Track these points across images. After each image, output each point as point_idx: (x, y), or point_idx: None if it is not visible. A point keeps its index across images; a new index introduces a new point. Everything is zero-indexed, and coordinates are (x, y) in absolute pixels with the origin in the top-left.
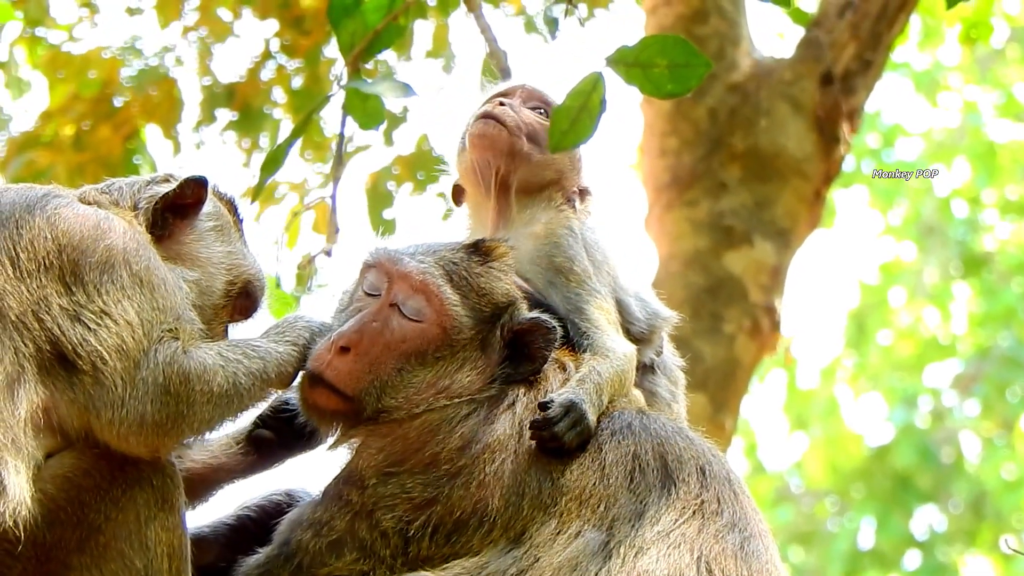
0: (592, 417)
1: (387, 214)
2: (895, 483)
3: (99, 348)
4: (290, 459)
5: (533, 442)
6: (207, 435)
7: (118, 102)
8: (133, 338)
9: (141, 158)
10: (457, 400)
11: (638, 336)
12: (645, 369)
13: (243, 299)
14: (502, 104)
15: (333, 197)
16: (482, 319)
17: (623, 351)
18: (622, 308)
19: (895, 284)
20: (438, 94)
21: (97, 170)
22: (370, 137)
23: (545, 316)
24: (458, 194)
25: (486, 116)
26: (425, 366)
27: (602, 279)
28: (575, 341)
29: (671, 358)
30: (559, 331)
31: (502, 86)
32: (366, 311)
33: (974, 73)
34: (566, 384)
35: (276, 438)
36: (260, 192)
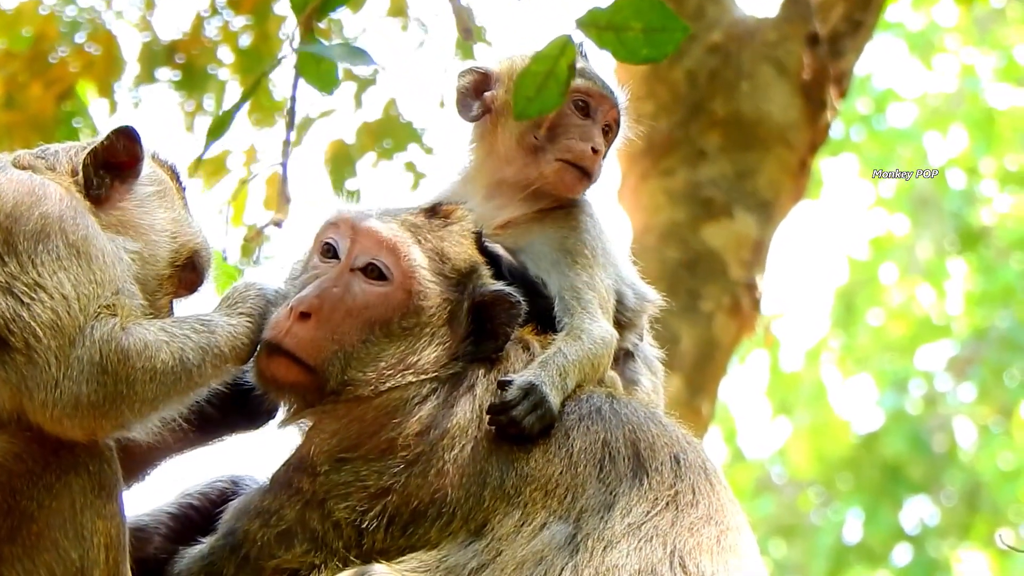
0: (554, 400)
1: (350, 185)
2: (884, 473)
3: (32, 324)
4: (232, 436)
5: (493, 427)
6: (153, 417)
7: (52, 59)
8: (68, 313)
9: (81, 120)
10: (423, 377)
11: (624, 322)
12: (627, 356)
13: (189, 271)
14: (595, 152)
15: (284, 165)
16: (448, 285)
17: (600, 335)
18: (620, 298)
19: (886, 260)
20: (405, 56)
21: (28, 131)
22: (335, 101)
23: (509, 289)
24: (478, 97)
25: (580, 168)
26: (392, 338)
27: (608, 271)
28: (557, 319)
29: (649, 348)
30: (523, 306)
31: (591, 76)
32: (325, 276)
33: (972, 34)
34: (529, 365)
35: (220, 415)
36: (203, 160)
